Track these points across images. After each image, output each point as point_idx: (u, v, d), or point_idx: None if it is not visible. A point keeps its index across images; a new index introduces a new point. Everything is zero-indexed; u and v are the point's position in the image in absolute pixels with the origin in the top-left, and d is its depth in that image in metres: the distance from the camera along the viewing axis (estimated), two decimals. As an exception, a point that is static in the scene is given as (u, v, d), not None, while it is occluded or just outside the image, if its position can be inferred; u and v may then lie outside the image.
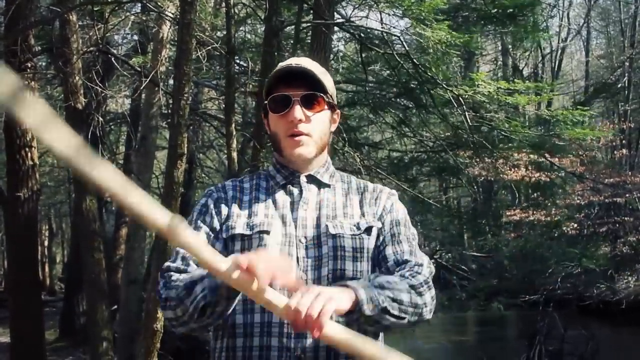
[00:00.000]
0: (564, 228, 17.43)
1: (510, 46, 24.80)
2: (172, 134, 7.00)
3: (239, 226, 2.16)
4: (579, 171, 16.28)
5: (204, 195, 2.33)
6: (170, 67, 11.83)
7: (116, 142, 18.87)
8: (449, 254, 20.45)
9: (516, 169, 14.87)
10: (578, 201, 18.10)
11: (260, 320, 2.07)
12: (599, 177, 17.36)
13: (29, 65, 9.57)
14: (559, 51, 29.12)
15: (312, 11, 9.45)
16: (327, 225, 2.16)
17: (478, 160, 12.82)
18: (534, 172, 15.97)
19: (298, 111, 2.16)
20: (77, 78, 8.54)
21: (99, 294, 8.56)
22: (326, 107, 2.25)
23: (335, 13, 9.84)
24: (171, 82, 12.59)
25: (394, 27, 11.98)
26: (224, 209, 2.22)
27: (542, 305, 14.64)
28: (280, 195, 2.24)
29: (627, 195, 17.19)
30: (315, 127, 2.22)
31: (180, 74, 6.55)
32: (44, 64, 12.97)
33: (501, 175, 15.23)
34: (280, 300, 1.68)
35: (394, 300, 1.96)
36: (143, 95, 12.11)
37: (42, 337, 10.27)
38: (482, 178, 16.53)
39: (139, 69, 10.37)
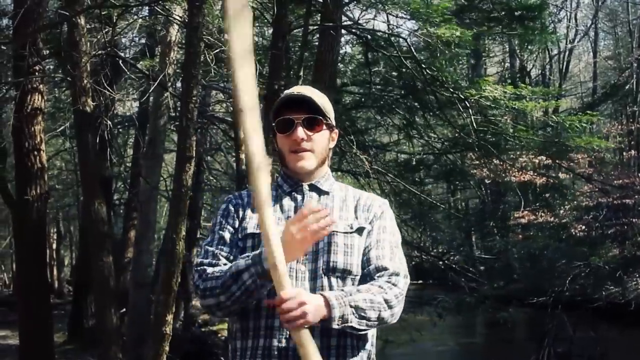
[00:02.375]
0: (572, 230, 17.38)
1: (517, 48, 24.74)
2: (180, 137, 7.03)
3: (250, 227, 2.60)
4: (587, 173, 16.24)
5: (225, 201, 2.78)
6: (178, 70, 11.84)
7: (124, 145, 18.90)
8: (457, 256, 20.40)
9: (523, 171, 14.83)
10: (586, 203, 18.03)
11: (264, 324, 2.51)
12: (607, 178, 17.31)
13: (37, 68, 9.60)
14: (567, 52, 28.99)
15: (319, 14, 9.46)
16: None
17: (485, 162, 12.78)
18: (541, 175, 15.92)
19: (300, 132, 2.58)
20: (85, 81, 8.55)
21: (108, 296, 8.57)
22: (325, 127, 2.67)
23: (342, 16, 9.83)
24: (179, 85, 12.65)
25: (400, 28, 11.97)
26: (241, 212, 2.66)
27: (550, 307, 14.60)
28: (287, 201, 2.67)
29: (636, 196, 17.12)
30: (316, 144, 2.64)
31: (188, 77, 6.57)
32: (51, 67, 12.99)
33: (508, 179, 15.19)
34: (285, 284, 2.23)
35: (362, 317, 2.39)
36: (151, 99, 12.13)
37: (51, 340, 10.29)
38: (490, 180, 16.49)
39: (147, 72, 10.40)
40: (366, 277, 2.54)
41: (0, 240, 32.24)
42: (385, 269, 2.54)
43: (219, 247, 2.59)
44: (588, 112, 11.54)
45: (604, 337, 13.78)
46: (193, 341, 14.58)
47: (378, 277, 2.52)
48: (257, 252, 2.40)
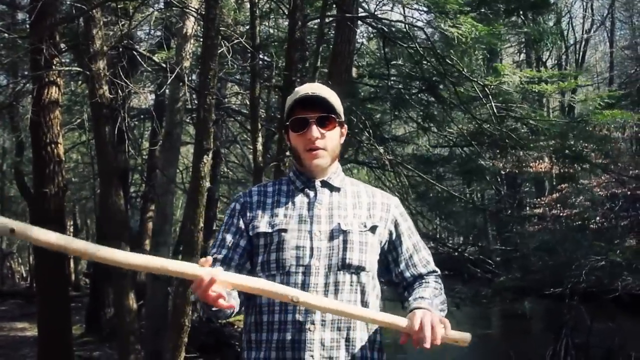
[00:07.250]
0: (587, 221, 17.28)
1: (533, 37, 24.58)
2: (198, 129, 7.03)
3: (262, 226, 2.68)
4: (603, 163, 16.11)
5: (233, 200, 2.89)
6: (194, 63, 11.85)
7: (140, 138, 18.93)
8: (474, 248, 20.32)
9: (540, 160, 14.74)
10: (602, 193, 17.91)
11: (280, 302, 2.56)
12: (623, 169, 17.18)
13: (55, 62, 9.63)
14: (583, 42, 28.86)
15: (335, 5, 9.42)
16: (339, 223, 2.65)
17: (503, 153, 12.68)
18: (559, 164, 15.82)
19: (314, 130, 2.66)
20: (102, 74, 8.57)
21: (127, 288, 8.61)
22: (336, 125, 2.74)
23: (358, 7, 9.78)
24: (194, 77, 12.66)
25: (417, 20, 11.91)
26: (250, 212, 2.74)
27: (567, 298, 14.52)
28: (299, 197, 2.74)
29: (653, 187, 17.00)
30: (329, 142, 2.71)
31: (206, 69, 6.56)
32: (68, 60, 13.02)
33: (525, 168, 15.11)
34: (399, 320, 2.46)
35: (442, 311, 2.68)
36: (167, 91, 12.14)
37: (70, 332, 10.35)
38: (507, 170, 16.42)
39: (163, 65, 10.41)
40: (416, 278, 2.81)
41: (17, 233, 32.36)
42: (435, 271, 2.86)
43: (218, 249, 2.71)
44: (608, 88, 11.48)
45: (623, 327, 13.70)
46: (210, 333, 14.61)
47: (432, 277, 2.83)
48: None
